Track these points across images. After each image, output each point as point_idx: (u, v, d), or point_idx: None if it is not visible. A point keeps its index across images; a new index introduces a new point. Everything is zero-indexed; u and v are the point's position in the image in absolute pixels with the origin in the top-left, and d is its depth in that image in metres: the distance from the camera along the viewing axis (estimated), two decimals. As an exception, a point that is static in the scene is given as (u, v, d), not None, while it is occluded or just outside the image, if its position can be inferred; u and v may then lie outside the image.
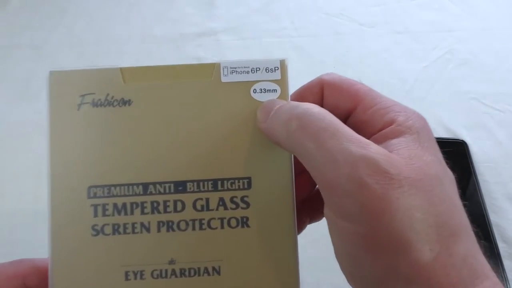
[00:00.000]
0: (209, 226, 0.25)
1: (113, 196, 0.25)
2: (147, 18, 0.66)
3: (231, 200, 0.25)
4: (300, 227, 0.26)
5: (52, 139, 0.25)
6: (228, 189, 0.25)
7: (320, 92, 0.25)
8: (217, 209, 0.25)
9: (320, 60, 0.61)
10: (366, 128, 0.23)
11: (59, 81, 0.25)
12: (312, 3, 0.68)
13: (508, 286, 0.44)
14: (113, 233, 0.25)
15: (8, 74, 0.61)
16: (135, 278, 0.24)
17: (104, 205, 0.25)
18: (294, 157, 0.25)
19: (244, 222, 0.25)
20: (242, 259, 0.24)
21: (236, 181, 0.25)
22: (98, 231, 0.25)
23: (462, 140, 0.53)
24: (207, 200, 0.25)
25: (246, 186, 0.25)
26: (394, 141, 0.21)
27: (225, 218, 0.25)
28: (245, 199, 0.25)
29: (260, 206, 0.25)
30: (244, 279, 0.24)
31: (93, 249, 0.24)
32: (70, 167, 0.25)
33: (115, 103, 0.25)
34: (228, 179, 0.25)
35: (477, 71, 0.60)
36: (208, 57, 0.62)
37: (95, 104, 0.25)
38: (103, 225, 0.25)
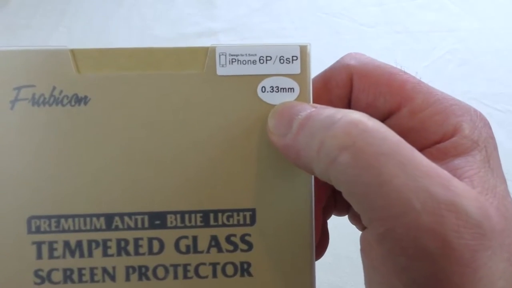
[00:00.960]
0: (196, 274, 0.18)
1: (64, 231, 0.18)
2: (147, 18, 0.66)
3: (228, 240, 0.18)
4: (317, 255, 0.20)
5: None
6: (223, 225, 0.18)
7: (349, 83, 0.19)
8: (208, 251, 0.18)
9: (320, 60, 0.61)
10: (416, 138, 0.17)
11: None
12: (312, 3, 0.68)
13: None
14: (65, 282, 0.18)
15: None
16: None
17: (51, 243, 0.18)
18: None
19: (244, 269, 0.18)
20: None
21: (235, 213, 0.18)
22: (43, 279, 0.18)
23: (462, 140, 0.53)
24: (195, 238, 0.18)
25: (248, 221, 0.18)
26: (459, 162, 0.16)
27: (218, 263, 0.18)
28: (247, 238, 0.18)
29: (267, 248, 0.18)
30: None
31: None
32: (2, 190, 0.18)
33: (65, 101, 0.18)
34: (223, 211, 0.18)
35: (477, 71, 0.60)
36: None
37: (36, 102, 0.18)
38: (51, 271, 0.18)
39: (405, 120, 0.18)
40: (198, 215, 0.18)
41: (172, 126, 0.18)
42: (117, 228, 0.18)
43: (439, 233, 0.14)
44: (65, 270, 0.18)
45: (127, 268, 0.18)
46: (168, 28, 0.65)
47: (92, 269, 0.18)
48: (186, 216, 0.18)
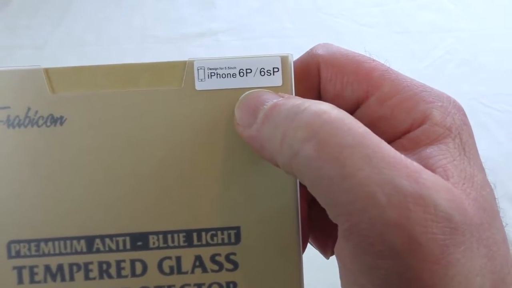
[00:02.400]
0: None
1: (45, 255, 0.18)
2: (148, 18, 0.66)
3: (212, 259, 0.18)
4: None
5: None
6: (207, 244, 0.18)
7: (317, 73, 0.18)
8: (192, 272, 0.18)
9: (320, 60, 0.61)
10: (385, 127, 0.17)
11: None
12: (312, 4, 0.68)
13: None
14: None
15: (8, 74, 0.61)
16: None
17: (32, 268, 0.18)
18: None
19: None
20: None
21: (219, 232, 0.18)
22: None
23: (462, 140, 0.54)
24: (178, 259, 0.18)
25: (233, 240, 0.18)
26: (431, 150, 0.15)
27: (204, 284, 0.18)
28: (232, 257, 0.18)
29: (253, 267, 0.18)
30: None
31: None
32: None
33: (41, 122, 0.18)
34: (207, 230, 0.18)
35: (476, 72, 0.60)
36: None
37: (11, 124, 0.17)
38: None
39: (373, 109, 0.17)
40: (181, 234, 0.18)
41: (151, 144, 0.18)
42: (98, 251, 0.18)
43: (405, 228, 0.13)
44: None
45: None
46: (169, 28, 0.65)
47: None
48: (169, 236, 0.18)
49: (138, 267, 0.18)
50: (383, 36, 0.64)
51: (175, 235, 0.18)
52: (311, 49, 0.18)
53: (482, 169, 0.16)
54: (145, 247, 0.18)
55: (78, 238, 0.18)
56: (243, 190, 0.18)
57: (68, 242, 0.18)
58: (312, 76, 0.18)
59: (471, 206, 0.14)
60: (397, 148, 0.15)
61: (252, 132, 0.16)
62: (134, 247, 0.18)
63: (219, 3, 0.68)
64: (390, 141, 0.16)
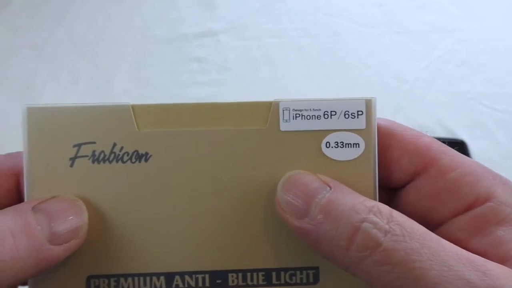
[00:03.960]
0: None
1: None
2: (148, 18, 0.66)
3: None
4: None
5: None
6: (286, 284, 0.18)
7: None
8: None
9: (320, 60, 0.61)
10: (448, 200, 0.17)
11: (42, 123, 0.17)
12: (311, 4, 0.68)
13: None
14: None
15: (9, 74, 0.61)
16: None
17: None
18: None
19: None
20: None
21: (298, 272, 0.18)
22: None
23: (462, 140, 0.54)
24: None
25: (311, 280, 0.18)
26: (503, 234, 0.15)
27: None
28: None
29: None
30: None
31: None
32: None
33: (126, 158, 0.18)
34: (286, 270, 0.18)
35: (476, 72, 0.60)
36: (209, 58, 0.62)
37: (96, 159, 0.18)
38: None
39: (434, 180, 0.17)
40: (260, 273, 0.18)
41: (234, 183, 0.18)
42: (177, 287, 0.18)
43: None
44: None
45: None
46: (169, 28, 0.65)
47: None
48: (248, 275, 0.18)
49: None
50: (383, 36, 0.64)
51: (254, 274, 0.18)
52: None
53: None
54: (225, 285, 0.18)
55: (158, 275, 0.18)
56: None
57: (148, 278, 0.18)
58: None
59: None
60: (464, 227, 0.16)
61: (305, 225, 0.16)
62: (213, 285, 0.18)
63: (219, 3, 0.68)
64: (453, 215, 0.16)
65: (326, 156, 0.18)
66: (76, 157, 0.18)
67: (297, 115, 0.18)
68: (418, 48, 0.63)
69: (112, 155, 0.18)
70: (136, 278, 0.18)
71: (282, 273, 0.18)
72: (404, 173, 0.18)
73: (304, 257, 0.18)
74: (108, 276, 0.18)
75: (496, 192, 0.16)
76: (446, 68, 0.61)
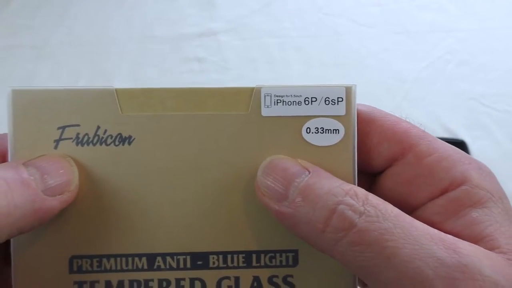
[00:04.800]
0: None
1: (106, 271, 0.18)
2: (147, 18, 0.66)
3: (270, 281, 0.18)
4: None
5: None
6: (266, 266, 0.18)
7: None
8: None
9: (320, 60, 0.61)
10: (424, 185, 0.17)
11: (26, 105, 0.18)
12: (311, 4, 0.68)
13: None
14: None
15: (9, 74, 0.61)
16: None
17: (92, 283, 0.18)
18: None
19: None
20: None
21: (277, 254, 0.18)
22: None
23: (462, 140, 0.54)
24: (237, 279, 0.18)
25: (290, 262, 0.18)
26: (476, 215, 0.16)
27: None
28: (289, 279, 0.18)
29: None
30: None
31: None
32: (44, 230, 0.18)
33: (109, 141, 0.18)
34: (266, 252, 0.18)
35: (476, 71, 0.60)
36: (208, 58, 0.62)
37: (80, 141, 0.18)
38: None
39: (411, 166, 0.17)
40: (241, 255, 0.18)
41: (216, 166, 0.18)
42: (159, 268, 0.18)
43: None
44: None
45: None
46: (168, 28, 0.65)
47: None
48: (229, 256, 0.18)
49: (198, 286, 0.18)
50: (383, 36, 0.64)
51: (235, 256, 0.18)
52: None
53: None
54: (205, 266, 0.18)
55: (140, 256, 0.18)
56: None
57: (130, 259, 0.18)
58: None
59: None
60: (439, 210, 0.16)
61: (284, 209, 0.16)
62: (194, 266, 0.18)
63: (219, 3, 0.68)
64: (429, 199, 0.17)
65: (307, 142, 0.18)
66: (60, 139, 0.18)
67: (279, 101, 0.18)
68: (418, 48, 0.63)
69: (96, 138, 0.18)
70: (118, 259, 0.18)
71: (262, 256, 0.18)
72: (383, 159, 0.18)
73: (284, 240, 0.18)
74: (90, 257, 0.18)
75: (471, 176, 0.17)
76: (446, 68, 0.61)
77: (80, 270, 0.18)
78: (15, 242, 0.18)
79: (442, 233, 0.15)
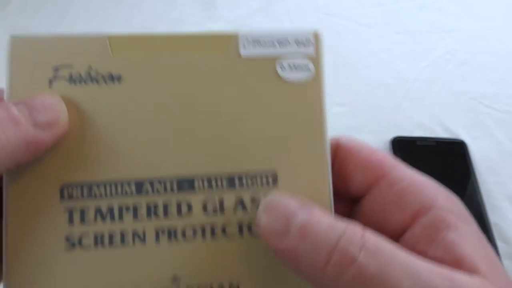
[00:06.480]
0: (224, 233, 0.19)
1: (95, 197, 0.19)
2: (148, 18, 0.66)
3: (253, 201, 0.20)
4: None
5: None
6: (248, 187, 0.20)
7: (332, 155, 0.20)
8: (234, 213, 0.20)
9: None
10: (396, 210, 0.18)
11: (24, 50, 0.19)
12: (311, 4, 0.68)
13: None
14: (95, 246, 0.19)
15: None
16: None
17: (82, 210, 0.19)
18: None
19: None
20: (268, 277, 0.19)
21: (258, 176, 0.20)
22: (74, 244, 0.19)
23: (462, 140, 0.54)
24: (221, 201, 0.20)
25: (271, 183, 0.20)
26: (453, 237, 0.17)
27: (244, 223, 0.20)
28: None
29: None
30: None
31: (68, 268, 0.19)
32: (36, 160, 0.19)
33: (100, 80, 0.19)
34: (247, 175, 0.20)
35: (476, 72, 0.60)
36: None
37: (73, 80, 0.19)
38: (81, 235, 0.19)
39: (384, 193, 0.19)
40: (224, 178, 0.20)
41: (198, 99, 0.20)
42: (146, 193, 0.19)
43: None
44: (96, 235, 0.19)
45: (157, 230, 0.19)
46: (169, 28, 0.65)
47: (122, 233, 0.19)
48: (213, 180, 0.20)
49: (184, 208, 0.20)
50: (383, 36, 0.64)
51: (219, 179, 0.20)
52: (336, 137, 0.21)
53: (492, 250, 0.18)
54: (191, 189, 0.20)
55: (128, 182, 0.19)
56: (279, 141, 0.20)
57: (119, 185, 0.19)
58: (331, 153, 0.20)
59: None
60: (418, 239, 0.17)
61: (284, 246, 0.17)
62: (180, 190, 0.20)
63: (219, 3, 0.68)
64: (404, 227, 0.18)
65: (281, 78, 0.20)
66: (54, 78, 0.19)
67: (255, 43, 0.20)
68: (418, 48, 0.63)
69: (88, 77, 0.19)
70: (108, 186, 0.19)
71: (245, 178, 0.20)
72: (359, 186, 0.20)
73: (264, 163, 0.20)
74: (81, 184, 0.19)
75: (438, 201, 0.18)
76: (446, 68, 0.61)
77: (70, 197, 0.19)
78: (7, 174, 0.19)
79: (437, 266, 0.16)
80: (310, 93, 0.20)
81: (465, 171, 0.51)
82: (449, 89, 0.59)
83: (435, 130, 0.55)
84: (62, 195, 0.19)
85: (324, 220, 0.17)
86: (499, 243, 0.46)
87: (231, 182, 0.20)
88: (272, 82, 0.20)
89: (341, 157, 0.20)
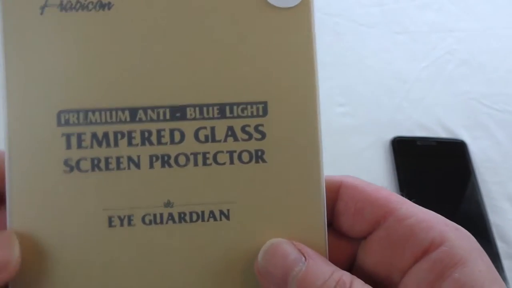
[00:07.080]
0: (215, 161, 0.20)
1: (91, 123, 0.20)
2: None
3: (243, 130, 0.20)
4: None
5: (7, 53, 0.19)
6: (238, 116, 0.20)
7: (335, 193, 0.21)
8: (225, 141, 0.20)
9: (320, 60, 0.61)
10: (406, 246, 0.18)
11: None
12: (312, 4, 0.68)
13: (508, 286, 0.44)
14: (92, 170, 0.20)
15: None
16: (122, 225, 0.20)
17: (79, 135, 0.20)
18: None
19: (259, 156, 0.20)
20: (257, 201, 0.20)
21: (249, 106, 0.20)
22: (72, 167, 0.20)
23: (462, 140, 0.54)
24: (213, 129, 0.20)
25: (261, 113, 0.20)
26: (460, 276, 0.17)
27: (235, 151, 0.20)
28: (260, 128, 0.20)
29: (279, 136, 0.20)
30: (259, 225, 0.20)
31: (66, 189, 0.19)
32: (33, 88, 0.19)
33: (90, 7, 0.20)
34: (238, 104, 0.20)
35: (476, 72, 0.60)
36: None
37: (64, 7, 0.20)
38: (79, 160, 0.20)
39: (393, 228, 0.19)
40: (215, 107, 0.20)
41: (188, 26, 0.20)
42: (140, 121, 0.20)
43: None
44: (92, 159, 0.20)
45: (151, 156, 0.20)
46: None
47: (118, 158, 0.20)
48: (204, 108, 0.20)
49: (177, 136, 0.20)
50: (383, 36, 0.64)
51: (210, 108, 0.20)
52: (338, 176, 0.21)
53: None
54: (183, 118, 0.20)
55: (122, 109, 0.20)
56: (269, 70, 0.20)
57: (114, 112, 0.20)
58: (330, 196, 0.20)
59: None
60: (424, 275, 0.17)
61: None
62: (173, 118, 0.20)
63: (219, 3, 0.68)
64: (413, 260, 0.18)
65: (269, 3, 0.20)
66: (45, 5, 0.20)
67: None
68: (418, 48, 0.63)
69: (78, 4, 0.20)
70: (102, 113, 0.20)
71: (235, 107, 0.20)
72: (366, 223, 0.20)
73: (255, 93, 0.20)
74: (77, 111, 0.20)
75: (449, 237, 0.18)
76: (446, 68, 0.61)
77: (67, 123, 0.20)
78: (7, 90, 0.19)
79: None
80: (297, 19, 0.21)
81: (465, 171, 0.51)
82: (449, 89, 0.59)
83: (435, 130, 0.55)
84: (59, 121, 0.20)
85: (319, 273, 0.18)
86: (499, 243, 0.46)
87: (222, 111, 0.20)
88: (261, 7, 0.20)
89: (346, 194, 0.20)
